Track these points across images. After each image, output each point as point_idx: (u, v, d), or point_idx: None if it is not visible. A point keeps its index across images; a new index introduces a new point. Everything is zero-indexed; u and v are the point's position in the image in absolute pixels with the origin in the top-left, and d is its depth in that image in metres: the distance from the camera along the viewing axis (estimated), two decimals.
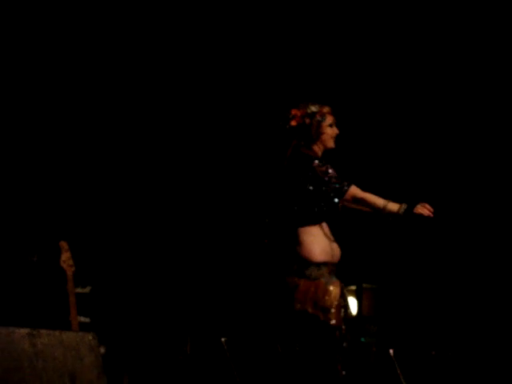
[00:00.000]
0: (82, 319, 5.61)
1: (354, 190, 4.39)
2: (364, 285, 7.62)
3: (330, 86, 6.84)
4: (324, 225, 4.48)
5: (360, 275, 7.45)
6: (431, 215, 4.28)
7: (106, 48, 6.91)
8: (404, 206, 4.29)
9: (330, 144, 4.57)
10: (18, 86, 6.66)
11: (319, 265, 4.38)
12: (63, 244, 5.33)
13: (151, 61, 7.08)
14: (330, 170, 4.41)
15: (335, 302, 4.33)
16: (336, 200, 4.41)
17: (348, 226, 4.95)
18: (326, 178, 4.39)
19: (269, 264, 4.54)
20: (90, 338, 3.82)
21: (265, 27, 6.97)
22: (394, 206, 4.32)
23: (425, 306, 7.15)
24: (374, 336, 7.33)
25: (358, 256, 6.93)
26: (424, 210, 4.28)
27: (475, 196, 6.97)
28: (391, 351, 5.42)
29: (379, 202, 4.35)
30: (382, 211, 4.32)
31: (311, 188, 4.41)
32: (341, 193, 4.38)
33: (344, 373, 4.30)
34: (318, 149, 4.55)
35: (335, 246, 4.49)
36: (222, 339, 4.95)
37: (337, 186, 4.38)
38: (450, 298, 7.06)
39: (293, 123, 4.55)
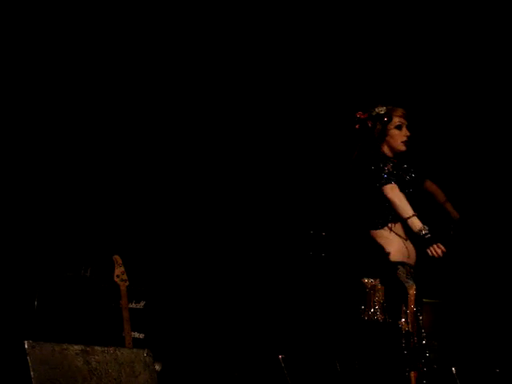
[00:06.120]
0: (136, 335, 5.60)
1: (386, 189, 4.28)
2: (424, 299, 7.47)
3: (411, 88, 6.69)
4: (398, 225, 4.35)
5: (420, 289, 7.30)
6: (440, 256, 4.19)
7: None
8: (425, 230, 4.16)
9: (399, 147, 4.47)
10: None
11: (395, 264, 4.27)
12: (117, 258, 5.29)
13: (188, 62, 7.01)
14: (386, 168, 4.30)
15: (411, 307, 4.21)
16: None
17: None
18: (378, 176, 4.29)
19: (337, 271, 4.46)
20: (145, 354, 3.77)
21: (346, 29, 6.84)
22: (416, 224, 4.19)
23: (489, 321, 6.98)
24: (434, 352, 7.15)
25: (419, 269, 6.80)
26: (437, 250, 4.18)
27: None
28: (453, 369, 5.27)
29: (405, 211, 4.23)
30: (405, 221, 4.23)
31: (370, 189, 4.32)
32: (380, 189, 4.30)
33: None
34: (387, 151, 4.45)
35: (411, 246, 4.37)
36: (280, 356, 4.82)
37: (378, 182, 4.29)
38: None
39: (356, 126, 4.49)
